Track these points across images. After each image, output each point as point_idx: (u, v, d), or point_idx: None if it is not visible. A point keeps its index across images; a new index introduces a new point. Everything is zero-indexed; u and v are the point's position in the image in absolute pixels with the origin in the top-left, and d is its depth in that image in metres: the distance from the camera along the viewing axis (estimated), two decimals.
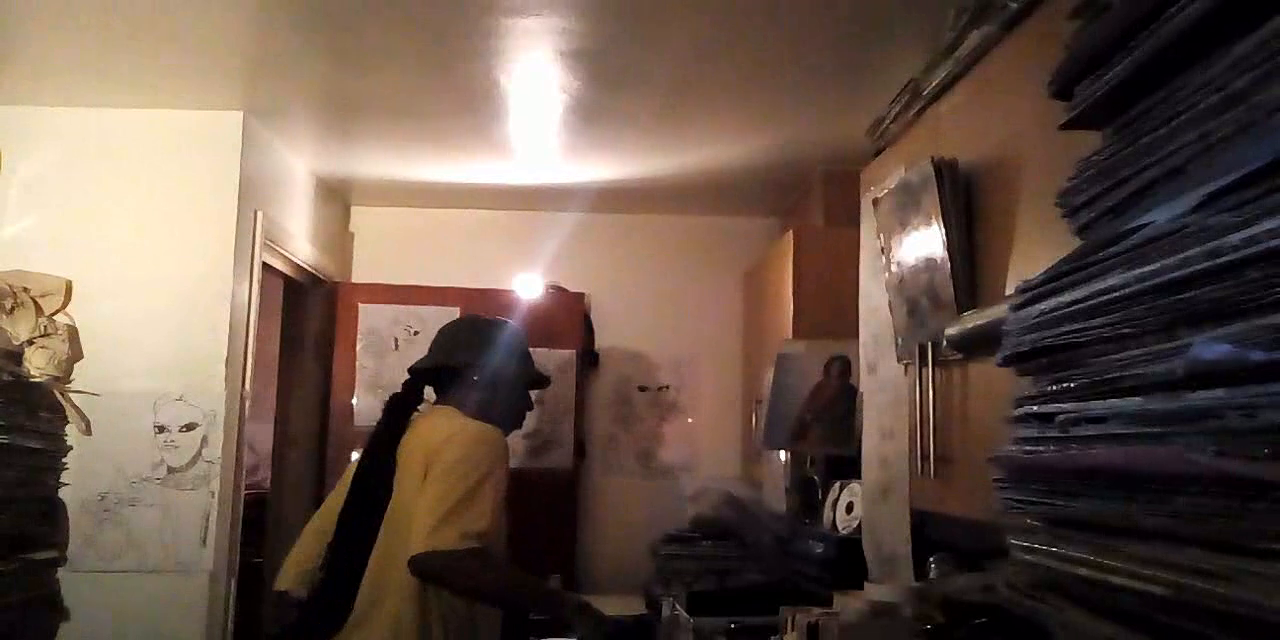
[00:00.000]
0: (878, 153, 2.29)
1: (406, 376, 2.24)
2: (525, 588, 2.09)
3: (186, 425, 2.76)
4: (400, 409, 2.17)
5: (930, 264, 1.76)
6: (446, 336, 2.28)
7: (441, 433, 2.06)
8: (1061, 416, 0.93)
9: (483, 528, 1.91)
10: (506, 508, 2.09)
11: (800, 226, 3.16)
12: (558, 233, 4.05)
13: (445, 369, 2.23)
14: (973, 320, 1.56)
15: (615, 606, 3.19)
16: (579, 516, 3.93)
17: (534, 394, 2.35)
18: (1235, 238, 0.71)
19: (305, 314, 3.80)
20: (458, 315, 3.63)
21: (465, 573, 1.92)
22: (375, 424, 2.17)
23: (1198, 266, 0.75)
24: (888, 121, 2.18)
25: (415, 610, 1.96)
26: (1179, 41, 0.86)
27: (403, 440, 2.11)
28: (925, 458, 1.76)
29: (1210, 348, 0.72)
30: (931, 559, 1.96)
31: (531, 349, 2.36)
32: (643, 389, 4.09)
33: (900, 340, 1.98)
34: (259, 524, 3.51)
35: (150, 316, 2.79)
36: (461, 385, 2.21)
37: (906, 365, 1.95)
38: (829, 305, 2.79)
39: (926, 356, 1.79)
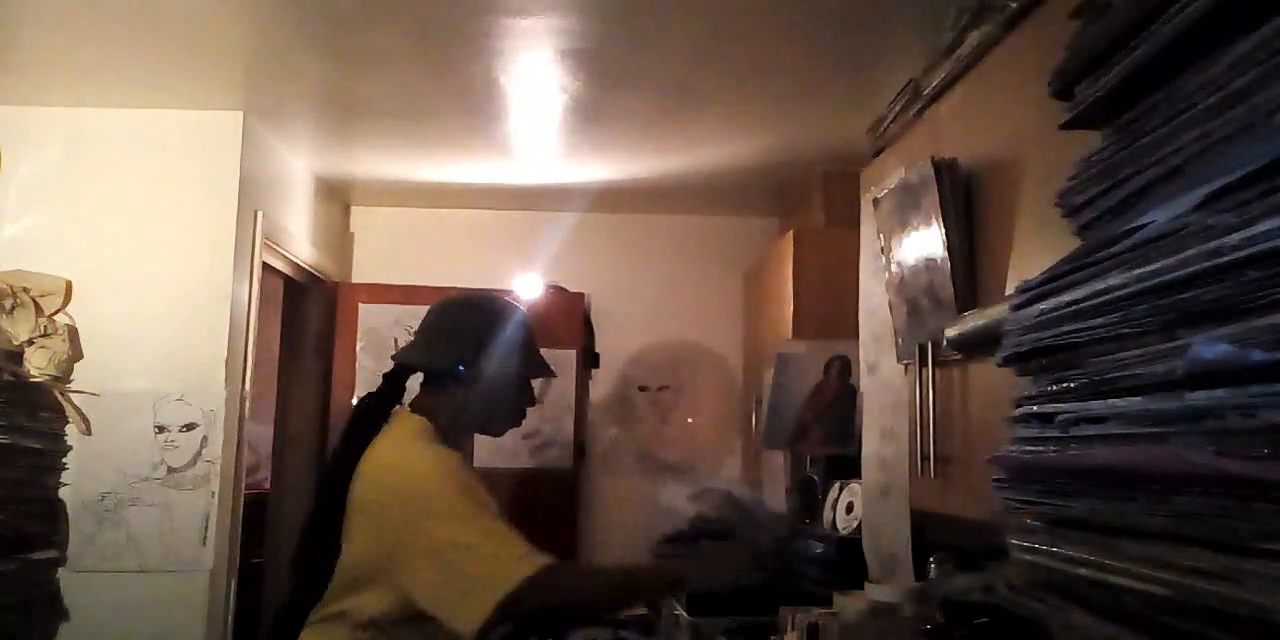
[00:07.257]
0: (878, 153, 2.29)
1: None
2: (629, 585, 1.82)
3: (186, 425, 2.76)
4: (368, 417, 1.82)
5: (930, 264, 1.76)
6: (432, 328, 1.97)
7: (385, 483, 1.70)
8: (1061, 416, 0.93)
9: (521, 545, 1.65)
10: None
11: (800, 226, 3.16)
12: (558, 233, 4.04)
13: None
14: (973, 320, 1.56)
15: None
16: (579, 516, 3.93)
17: (535, 390, 2.00)
18: (1235, 238, 0.71)
19: (305, 314, 3.80)
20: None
21: (566, 590, 1.69)
22: (341, 433, 1.83)
23: (1198, 266, 0.75)
24: (888, 121, 2.18)
25: None
26: (1179, 41, 0.86)
27: (358, 470, 1.72)
28: (925, 458, 1.76)
29: (1210, 348, 0.72)
30: (931, 559, 1.97)
31: None
32: (643, 389, 4.08)
33: (900, 340, 1.98)
34: (259, 524, 3.51)
35: (150, 316, 2.79)
36: (443, 387, 1.87)
37: (906, 365, 1.95)
38: (829, 305, 2.78)
39: (926, 356, 1.79)
